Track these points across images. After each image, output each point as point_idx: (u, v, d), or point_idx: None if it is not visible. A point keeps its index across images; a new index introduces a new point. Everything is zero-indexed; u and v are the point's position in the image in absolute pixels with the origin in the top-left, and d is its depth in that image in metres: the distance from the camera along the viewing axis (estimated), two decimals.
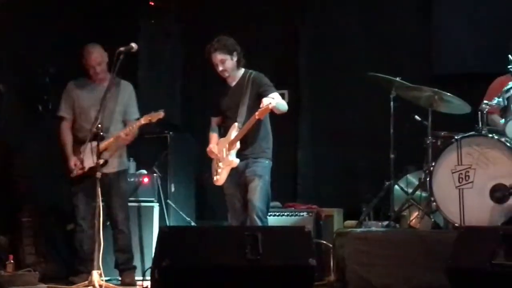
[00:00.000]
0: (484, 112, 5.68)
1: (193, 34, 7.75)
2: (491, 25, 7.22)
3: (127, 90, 6.37)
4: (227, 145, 5.86)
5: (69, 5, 7.13)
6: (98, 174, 5.62)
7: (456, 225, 5.43)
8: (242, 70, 6.00)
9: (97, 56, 6.23)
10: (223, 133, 6.01)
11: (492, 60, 6.79)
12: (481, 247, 4.50)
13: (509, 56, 5.62)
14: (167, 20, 7.74)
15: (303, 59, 7.83)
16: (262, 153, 5.88)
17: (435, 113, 6.03)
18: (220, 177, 5.89)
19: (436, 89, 5.95)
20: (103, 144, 5.87)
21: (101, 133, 5.80)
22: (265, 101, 5.57)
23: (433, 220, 5.84)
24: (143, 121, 6.07)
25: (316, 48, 7.83)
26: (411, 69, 7.07)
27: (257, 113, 5.60)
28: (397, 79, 6.03)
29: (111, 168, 6.19)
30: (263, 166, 5.85)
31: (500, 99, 5.58)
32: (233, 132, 5.84)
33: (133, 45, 5.81)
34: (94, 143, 5.92)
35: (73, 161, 6.15)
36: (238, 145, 5.80)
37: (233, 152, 5.82)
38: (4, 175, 6.70)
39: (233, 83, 5.99)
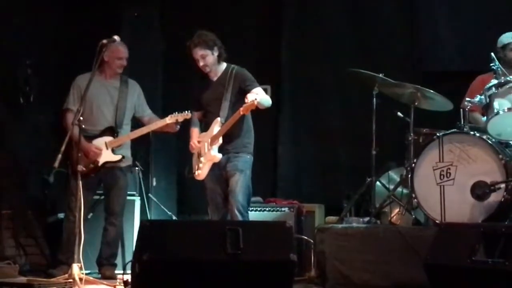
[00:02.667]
0: (466, 109, 5.71)
1: (176, 27, 7.72)
2: (475, 22, 7.25)
3: (136, 89, 6.44)
4: (209, 140, 5.85)
5: None
6: (80, 169, 5.57)
7: (437, 221, 5.45)
8: (224, 65, 5.99)
9: (126, 51, 6.30)
10: (204, 127, 6.01)
11: (474, 58, 6.82)
12: (461, 243, 4.52)
13: (492, 54, 5.64)
14: (150, 13, 7.70)
15: (285, 54, 7.82)
16: (243, 148, 5.89)
17: (417, 110, 6.04)
18: (202, 172, 5.89)
19: (419, 86, 5.97)
20: (118, 140, 6.16)
21: (117, 130, 6.15)
22: (250, 97, 5.57)
23: (414, 216, 5.86)
24: (168, 120, 6.16)
25: (298, 43, 7.81)
26: (394, 65, 7.09)
27: (241, 108, 5.60)
28: (380, 75, 6.04)
29: (125, 162, 6.32)
30: (245, 161, 5.85)
31: (482, 97, 5.60)
32: (216, 127, 5.83)
33: (116, 37, 5.80)
34: (108, 138, 6.14)
35: (93, 149, 6.12)
36: (220, 140, 5.80)
37: (215, 147, 5.82)
38: None
39: (215, 78, 5.98)
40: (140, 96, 6.47)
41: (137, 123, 6.49)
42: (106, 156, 6.17)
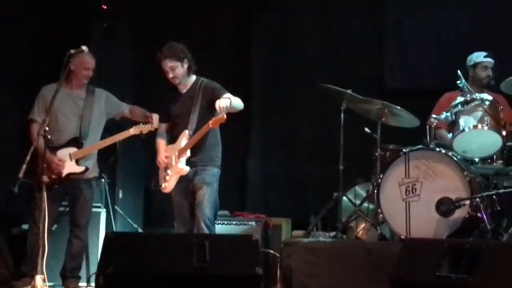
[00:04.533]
0: (433, 126, 5.78)
1: (145, 39, 7.72)
2: (443, 41, 7.34)
3: (102, 96, 6.35)
4: (176, 153, 5.82)
5: (19, 6, 7.02)
6: (44, 179, 5.50)
7: (402, 237, 5.48)
8: (194, 77, 5.97)
9: (93, 61, 6.25)
10: (171, 139, 5.98)
11: (441, 75, 6.90)
12: (425, 259, 4.55)
13: (458, 72, 5.71)
14: (119, 23, 7.68)
15: (256, 66, 7.84)
16: (211, 161, 5.87)
17: (385, 126, 6.09)
18: (168, 185, 5.86)
19: (386, 102, 6.01)
20: (83, 151, 6.09)
21: (80, 143, 6.06)
22: (221, 103, 5.52)
23: (379, 232, 5.90)
24: (132, 131, 6.13)
25: (269, 56, 7.85)
26: (362, 82, 7.12)
27: (210, 121, 5.58)
28: (348, 91, 6.07)
29: (91, 174, 6.23)
30: (212, 174, 5.84)
31: (448, 114, 5.67)
32: (183, 140, 5.81)
33: (84, 47, 5.74)
34: (72, 149, 6.09)
35: (55, 161, 6.05)
36: (188, 153, 5.78)
37: (183, 160, 5.80)
38: None
39: (184, 90, 5.96)
40: (109, 99, 6.38)
41: (119, 124, 6.42)
42: (70, 167, 6.10)
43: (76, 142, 6.16)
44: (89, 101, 6.23)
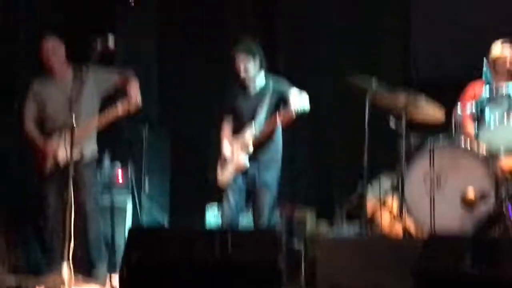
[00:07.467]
0: (458, 118, 5.73)
1: (170, 28, 7.72)
2: (467, 29, 7.25)
3: (88, 76, 6.08)
4: (239, 147, 5.89)
5: None
6: (71, 170, 5.52)
7: (426, 230, 5.46)
8: (263, 74, 6.04)
9: (49, 47, 6.14)
10: (235, 134, 6.03)
11: (467, 65, 6.81)
12: (449, 252, 4.53)
13: (484, 60, 5.64)
14: (144, 13, 7.70)
15: (281, 61, 7.81)
16: (272, 162, 5.96)
17: (409, 117, 6.04)
18: (225, 177, 5.95)
19: (411, 94, 5.96)
20: (76, 136, 5.69)
21: (73, 126, 5.56)
22: (296, 103, 5.62)
23: (404, 224, 5.86)
24: (120, 110, 6.04)
25: (294, 46, 7.81)
26: (387, 72, 7.08)
27: (279, 117, 5.73)
28: (373, 82, 6.03)
29: (88, 157, 6.13)
30: (273, 177, 5.94)
31: (474, 105, 5.62)
32: (248, 135, 5.87)
33: (110, 36, 5.74)
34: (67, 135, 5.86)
35: (49, 147, 6.02)
36: (251, 148, 5.85)
37: (245, 155, 5.87)
38: None
39: (253, 86, 6.02)
40: (97, 77, 6.16)
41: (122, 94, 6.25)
42: (65, 153, 5.95)
43: (69, 127, 5.99)
44: (77, 84, 5.96)
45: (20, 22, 7.08)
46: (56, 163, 6.03)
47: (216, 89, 7.38)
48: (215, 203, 6.79)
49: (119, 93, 6.24)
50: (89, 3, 7.31)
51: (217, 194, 6.27)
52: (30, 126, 6.16)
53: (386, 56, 7.51)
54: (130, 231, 4.78)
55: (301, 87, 5.98)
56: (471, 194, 5.35)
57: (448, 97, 6.28)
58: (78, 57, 5.92)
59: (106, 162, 6.93)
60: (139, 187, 7.12)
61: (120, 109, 6.07)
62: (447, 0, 7.43)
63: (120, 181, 6.96)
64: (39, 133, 6.07)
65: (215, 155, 6.13)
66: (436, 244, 4.69)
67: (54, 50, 6.17)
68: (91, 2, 7.33)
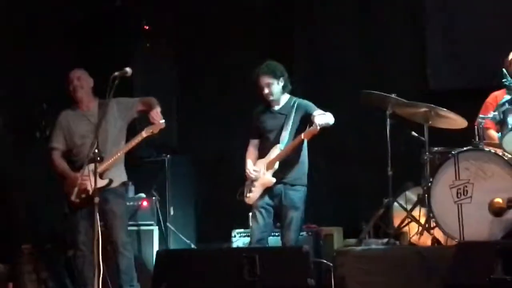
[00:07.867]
0: (480, 126, 5.68)
1: (187, 56, 7.77)
2: (486, 39, 7.22)
3: (112, 105, 6.20)
4: (265, 164, 5.91)
5: (62, 31, 7.15)
6: (96, 199, 5.56)
7: (456, 240, 5.41)
8: (288, 96, 6.08)
9: (77, 79, 6.22)
10: (260, 155, 6.05)
11: (487, 74, 6.78)
12: (479, 262, 4.50)
13: (503, 70, 5.63)
14: (161, 43, 7.76)
15: (297, 75, 7.82)
16: (298, 180, 5.96)
17: (432, 128, 6.01)
18: (253, 195, 5.95)
19: (432, 105, 5.94)
20: (103, 165, 5.93)
21: (99, 157, 5.67)
22: (320, 120, 5.65)
23: (432, 236, 5.82)
24: (144, 134, 6.09)
25: (310, 65, 7.84)
26: (406, 85, 7.08)
27: (304, 133, 5.73)
28: (392, 95, 6.03)
29: (116, 183, 6.15)
30: (300, 196, 5.92)
31: (496, 113, 5.58)
32: (274, 152, 5.90)
33: (128, 69, 5.76)
34: (92, 165, 5.88)
35: (79, 178, 5.98)
36: (276, 165, 5.85)
37: (271, 172, 5.88)
38: (4, 203, 6.69)
39: (277, 107, 6.06)
40: (119, 103, 6.24)
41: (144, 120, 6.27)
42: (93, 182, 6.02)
43: (96, 157, 6.05)
44: (101, 114, 6.01)
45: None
46: (86, 193, 6.07)
47: (235, 113, 7.42)
48: (241, 229, 6.77)
49: (143, 121, 6.27)
50: (108, 44, 7.40)
51: (244, 215, 6.27)
52: (58, 158, 6.21)
53: (403, 70, 7.50)
54: (157, 254, 4.76)
55: (318, 103, 5.99)
56: (499, 201, 5.27)
57: (469, 107, 6.26)
58: (100, 93, 5.98)
59: (131, 194, 6.96)
60: (165, 216, 7.13)
61: (144, 133, 6.09)
62: (464, 11, 7.40)
63: (145, 211, 6.98)
64: (67, 164, 6.10)
65: (240, 177, 6.11)
66: (466, 252, 4.65)
67: (82, 82, 6.25)
68: (110, 44, 7.42)
